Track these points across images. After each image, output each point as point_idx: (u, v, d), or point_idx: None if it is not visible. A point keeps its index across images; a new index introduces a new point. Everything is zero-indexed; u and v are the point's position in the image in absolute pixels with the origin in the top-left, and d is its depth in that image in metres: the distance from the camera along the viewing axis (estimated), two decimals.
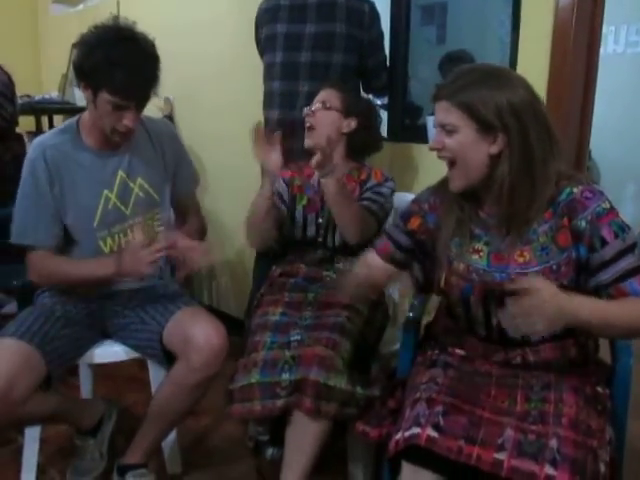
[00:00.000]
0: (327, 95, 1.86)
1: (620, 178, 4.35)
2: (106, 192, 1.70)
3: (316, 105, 1.85)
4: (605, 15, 1.94)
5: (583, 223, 1.23)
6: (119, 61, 1.50)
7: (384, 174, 1.88)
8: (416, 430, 1.19)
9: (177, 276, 1.66)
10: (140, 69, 1.54)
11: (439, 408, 1.22)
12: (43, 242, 1.67)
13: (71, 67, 1.63)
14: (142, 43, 1.57)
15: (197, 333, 1.61)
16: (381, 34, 2.17)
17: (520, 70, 1.96)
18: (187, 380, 1.62)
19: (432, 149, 1.30)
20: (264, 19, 2.21)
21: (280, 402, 1.47)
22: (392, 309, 2.00)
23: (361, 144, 1.90)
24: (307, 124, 1.85)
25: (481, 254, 1.33)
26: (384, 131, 2.35)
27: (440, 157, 1.30)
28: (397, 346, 1.71)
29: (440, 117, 1.27)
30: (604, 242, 1.22)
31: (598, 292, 1.25)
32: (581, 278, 1.27)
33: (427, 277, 1.47)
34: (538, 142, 1.22)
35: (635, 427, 1.50)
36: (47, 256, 1.67)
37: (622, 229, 1.22)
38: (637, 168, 4.28)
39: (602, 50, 2.10)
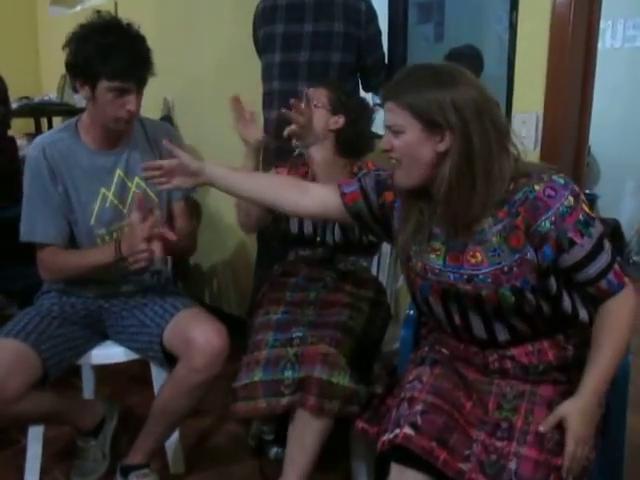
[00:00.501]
0: (316, 94, 1.84)
1: (620, 174, 4.35)
2: (104, 190, 1.71)
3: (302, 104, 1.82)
4: (602, 10, 1.94)
5: (547, 224, 1.18)
6: (112, 46, 1.55)
7: (376, 164, 1.86)
8: (397, 431, 1.20)
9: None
10: (133, 50, 1.58)
11: (419, 407, 1.23)
12: (52, 238, 1.68)
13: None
14: (129, 28, 1.62)
15: (198, 335, 1.61)
16: (379, 32, 2.17)
17: (518, 67, 1.97)
18: (189, 381, 1.62)
19: (383, 151, 1.29)
20: (262, 19, 2.21)
21: (284, 400, 1.47)
22: (394, 307, 2.00)
23: (350, 141, 1.87)
24: (295, 122, 1.80)
25: (438, 253, 1.31)
26: (382, 129, 2.35)
27: (389, 158, 1.28)
28: (398, 344, 1.71)
29: (386, 118, 1.26)
30: (572, 243, 1.18)
31: (579, 289, 1.25)
32: (548, 278, 1.24)
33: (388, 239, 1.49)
34: (481, 140, 1.19)
35: (635, 423, 1.50)
36: (56, 251, 1.69)
37: (587, 224, 1.19)
38: (637, 164, 4.27)
39: (600, 45, 2.10)
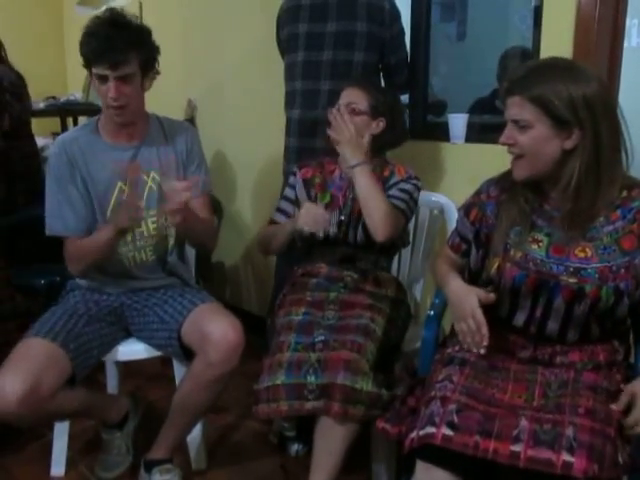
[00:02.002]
0: (353, 96, 1.82)
1: None
2: (120, 184, 1.74)
3: (343, 109, 1.80)
4: (628, 8, 1.91)
5: None
6: (91, 33, 1.61)
7: (407, 171, 1.86)
8: (431, 430, 1.19)
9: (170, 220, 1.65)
10: (110, 36, 1.59)
11: (453, 406, 1.22)
12: (76, 231, 1.72)
13: None
14: (120, 18, 1.65)
15: (214, 329, 1.63)
16: (402, 31, 2.16)
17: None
18: (206, 376, 1.64)
19: (503, 144, 1.29)
20: (285, 19, 2.21)
21: (308, 405, 1.48)
22: (414, 307, 2.00)
23: (389, 142, 1.88)
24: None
25: (540, 244, 1.33)
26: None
27: (510, 152, 1.29)
28: (419, 344, 1.71)
29: (513, 112, 1.25)
30: None
31: None
32: None
33: (478, 266, 1.47)
34: (609, 139, 1.21)
35: None
36: (77, 241, 1.72)
37: None
38: None
39: (625, 43, 2.07)
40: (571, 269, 1.27)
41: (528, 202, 1.34)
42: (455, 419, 1.19)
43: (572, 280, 1.27)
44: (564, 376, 1.30)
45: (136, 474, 1.81)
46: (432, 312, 1.66)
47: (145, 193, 1.76)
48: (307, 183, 1.92)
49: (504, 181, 1.40)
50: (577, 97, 1.18)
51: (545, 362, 1.35)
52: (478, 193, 1.47)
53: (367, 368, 1.51)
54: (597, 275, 1.26)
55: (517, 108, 1.24)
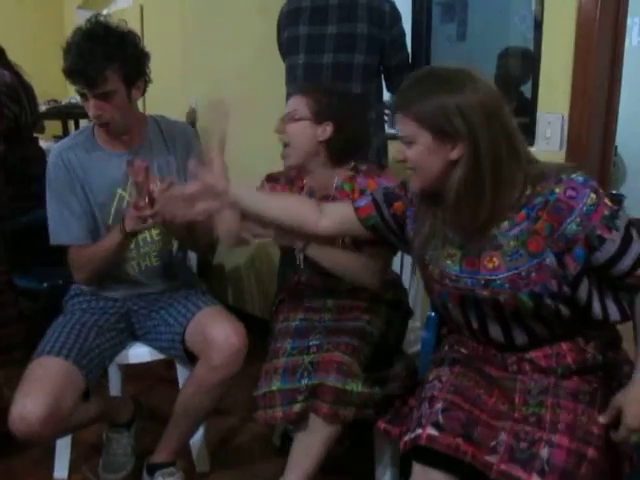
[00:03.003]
0: (294, 104, 1.70)
1: None
2: (120, 191, 1.73)
3: (284, 120, 1.70)
4: (629, 7, 1.91)
5: (574, 226, 1.17)
6: (69, 50, 1.56)
7: (379, 182, 1.67)
8: (419, 431, 1.20)
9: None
10: (88, 53, 1.53)
11: (439, 405, 1.22)
12: (79, 239, 1.71)
13: None
14: (95, 28, 1.59)
15: (216, 333, 1.63)
16: (403, 33, 2.16)
17: (543, 65, 1.95)
18: (208, 379, 1.64)
19: (397, 161, 1.29)
20: (286, 22, 2.22)
21: (297, 407, 1.47)
22: (420, 308, 1.99)
23: (343, 148, 1.71)
24: (282, 144, 1.72)
25: (454, 259, 1.30)
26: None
27: (406, 168, 1.28)
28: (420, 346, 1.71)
29: (399, 129, 1.26)
30: (602, 239, 1.17)
31: (618, 283, 1.23)
32: (578, 285, 1.22)
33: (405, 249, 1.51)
34: (490, 146, 1.17)
35: None
36: (82, 249, 1.71)
37: (613, 217, 1.17)
38: None
39: (627, 43, 2.07)
40: (482, 282, 1.25)
41: (437, 217, 1.32)
42: (440, 419, 1.20)
43: (485, 293, 1.26)
44: (544, 382, 1.29)
45: (139, 478, 1.81)
46: (433, 313, 1.66)
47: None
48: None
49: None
50: (449, 108, 1.16)
51: (516, 371, 1.33)
52: (404, 187, 1.43)
53: (359, 370, 1.50)
54: (507, 285, 1.23)
55: (400, 125, 1.24)
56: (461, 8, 3.11)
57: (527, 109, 2.00)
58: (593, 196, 1.16)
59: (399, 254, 2.01)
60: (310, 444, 1.51)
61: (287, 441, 2.01)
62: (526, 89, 2.08)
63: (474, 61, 2.92)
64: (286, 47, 2.22)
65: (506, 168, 1.20)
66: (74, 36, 1.58)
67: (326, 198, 1.69)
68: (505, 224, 1.24)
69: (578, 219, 1.16)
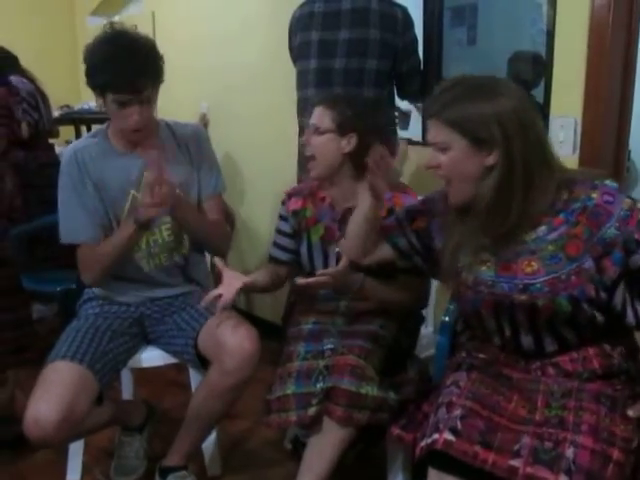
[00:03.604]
0: (317, 116, 1.69)
1: None
2: (133, 192, 1.74)
3: (309, 131, 1.71)
4: None
5: (612, 230, 1.19)
6: (110, 59, 1.57)
7: (406, 199, 1.68)
8: (435, 436, 1.19)
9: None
10: (128, 61, 1.57)
11: (457, 412, 1.22)
12: (90, 239, 1.72)
13: None
14: (131, 37, 1.63)
15: (229, 338, 1.63)
16: (415, 39, 2.17)
17: (556, 69, 1.94)
18: (221, 384, 1.64)
19: (428, 168, 1.28)
20: (298, 26, 2.22)
21: (311, 410, 1.47)
22: (431, 313, 1.99)
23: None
24: (307, 154, 1.72)
25: (489, 264, 1.30)
26: (418, 132, 2.34)
27: (436, 176, 1.28)
28: (434, 350, 1.70)
29: (431, 135, 1.25)
30: (638, 243, 1.19)
31: None
32: (615, 291, 1.23)
33: (431, 272, 1.49)
34: (524, 154, 1.19)
35: None
36: (92, 248, 1.72)
37: None
38: None
39: None
40: (520, 286, 1.25)
41: (466, 223, 1.31)
42: (458, 425, 1.19)
43: (523, 297, 1.26)
44: (567, 385, 1.29)
45: None
46: (447, 318, 1.65)
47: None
48: (297, 215, 1.79)
49: (445, 201, 1.37)
50: (488, 115, 1.17)
51: (539, 377, 1.33)
52: (428, 203, 1.45)
53: (373, 374, 1.50)
54: (547, 288, 1.23)
55: (434, 131, 1.24)
56: (471, 12, 3.10)
57: (539, 113, 1.99)
58: (628, 201, 1.20)
59: None
60: (323, 447, 1.50)
61: (298, 446, 2.02)
62: (537, 93, 2.08)
63: (484, 65, 2.92)
64: (298, 52, 2.23)
65: (537, 175, 1.21)
66: (103, 46, 1.59)
67: (349, 210, 1.65)
68: (543, 228, 1.25)
69: (617, 224, 1.19)
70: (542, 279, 1.24)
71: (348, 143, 1.66)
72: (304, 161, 2.20)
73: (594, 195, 1.21)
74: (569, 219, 1.23)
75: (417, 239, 1.46)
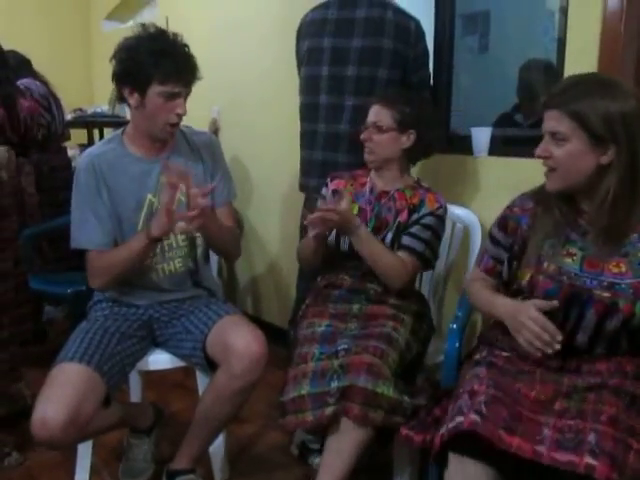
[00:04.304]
0: (377, 115, 1.82)
1: None
2: (150, 197, 1.75)
3: (370, 129, 1.83)
4: None
5: None
6: (162, 51, 1.61)
7: (438, 199, 1.83)
8: (460, 418, 1.20)
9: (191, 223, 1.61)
10: (183, 54, 1.65)
11: (481, 398, 1.23)
12: (100, 245, 1.72)
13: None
14: (175, 35, 1.68)
15: (237, 341, 1.63)
16: (426, 51, 2.16)
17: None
18: (229, 387, 1.64)
19: (539, 157, 1.30)
20: (309, 30, 2.21)
21: (329, 410, 1.48)
22: (436, 320, 1.99)
23: (422, 152, 1.89)
24: (366, 149, 1.84)
25: (574, 258, 1.33)
26: None
27: (545, 165, 1.31)
28: (441, 358, 1.71)
29: (550, 125, 1.27)
30: None
31: None
32: None
33: (509, 277, 1.48)
34: None
35: None
36: (102, 254, 1.73)
37: None
38: None
39: None
40: (605, 283, 1.28)
41: (563, 215, 1.35)
42: (483, 409, 1.20)
43: (606, 294, 1.28)
44: (590, 380, 1.30)
45: None
46: (455, 325, 1.66)
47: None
48: (335, 195, 1.89)
49: (539, 194, 1.40)
50: (614, 113, 1.19)
51: (572, 370, 1.35)
52: (511, 207, 1.48)
53: (389, 373, 1.51)
54: (631, 290, 1.26)
55: (554, 121, 1.25)
56: (483, 20, 3.11)
57: None
58: None
59: None
60: (341, 447, 1.52)
61: (305, 451, 2.02)
62: None
63: (496, 73, 2.93)
64: (307, 56, 2.21)
65: None
66: (148, 42, 1.63)
67: (385, 193, 1.86)
68: (635, 235, 1.29)
69: None
70: (629, 281, 1.27)
71: (407, 139, 1.82)
72: (311, 167, 2.20)
73: None
74: None
75: (509, 243, 1.47)
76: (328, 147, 2.14)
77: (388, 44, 2.05)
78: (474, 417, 1.18)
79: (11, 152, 2.34)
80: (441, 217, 1.82)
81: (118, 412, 1.73)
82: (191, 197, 1.57)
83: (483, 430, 1.16)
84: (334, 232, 1.85)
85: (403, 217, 1.82)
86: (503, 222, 1.48)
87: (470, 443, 1.17)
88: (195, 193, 1.57)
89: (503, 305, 1.39)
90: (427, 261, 1.80)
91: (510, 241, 1.45)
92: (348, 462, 1.52)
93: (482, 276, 1.52)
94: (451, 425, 1.21)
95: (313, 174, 2.17)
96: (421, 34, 2.11)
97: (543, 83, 2.33)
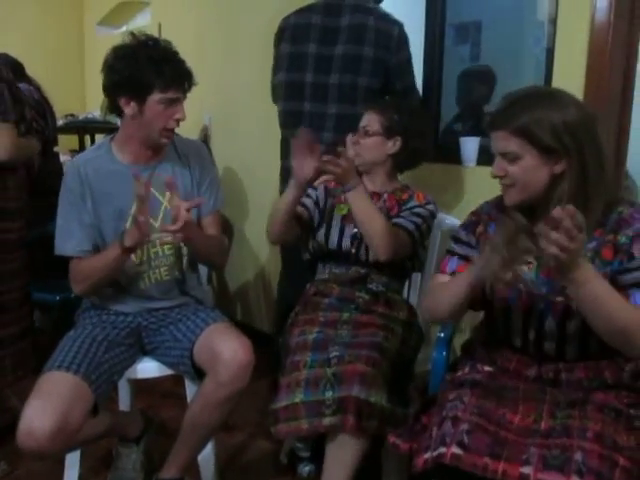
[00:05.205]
0: (367, 120, 1.86)
1: None
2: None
3: (359, 133, 1.86)
4: None
5: (624, 238, 1.25)
6: (162, 59, 1.62)
7: (426, 197, 1.88)
8: (442, 449, 1.20)
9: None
10: (180, 61, 1.67)
11: (464, 426, 1.22)
12: (81, 251, 1.72)
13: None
14: (162, 41, 1.69)
15: (224, 348, 1.63)
16: (409, 57, 2.14)
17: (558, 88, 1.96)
18: (216, 395, 1.64)
19: (495, 177, 1.32)
20: (292, 35, 2.18)
21: (326, 420, 1.48)
22: (425, 328, 1.99)
23: (407, 160, 1.91)
24: (352, 152, 1.85)
25: (530, 266, 1.34)
26: None
27: (502, 183, 1.32)
28: (430, 366, 1.71)
29: (500, 146, 1.28)
30: (632, 256, 1.24)
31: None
32: None
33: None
34: (593, 161, 1.24)
35: None
36: (81, 261, 1.73)
37: None
38: None
39: None
40: (557, 288, 1.29)
41: (521, 224, 1.35)
42: (465, 439, 1.20)
43: (559, 298, 1.30)
44: (572, 396, 1.30)
45: None
46: (442, 334, 1.66)
47: (161, 214, 1.77)
48: (329, 192, 1.95)
49: (501, 203, 1.41)
50: (558, 124, 1.21)
51: (551, 380, 1.35)
52: (479, 213, 1.49)
53: (382, 383, 1.52)
54: None
55: (503, 142, 1.26)
56: (475, 30, 3.13)
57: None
58: None
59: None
60: (343, 459, 1.53)
61: (294, 459, 2.02)
62: None
63: None
64: (289, 61, 2.18)
65: (602, 183, 1.26)
66: (144, 49, 1.63)
67: (376, 195, 1.90)
68: (585, 238, 1.28)
69: (630, 233, 1.25)
70: None
71: (393, 145, 1.85)
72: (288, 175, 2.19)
73: (626, 210, 1.28)
74: (606, 229, 1.28)
75: (474, 249, 1.46)
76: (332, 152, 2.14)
77: (368, 52, 2.04)
78: (456, 450, 1.18)
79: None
80: (431, 211, 1.86)
81: (106, 421, 1.72)
82: (175, 210, 1.57)
83: (465, 464, 1.16)
84: (323, 229, 1.87)
85: (394, 211, 1.86)
86: (472, 225, 1.48)
87: (453, 473, 1.17)
88: (179, 206, 1.56)
89: (465, 272, 1.37)
90: (415, 241, 1.81)
91: (475, 243, 1.46)
92: (349, 474, 1.54)
93: (444, 279, 1.47)
94: (435, 454, 1.20)
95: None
96: (404, 40, 2.09)
97: (482, 91, 2.37)
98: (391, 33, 2.06)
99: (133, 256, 1.75)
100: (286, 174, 2.21)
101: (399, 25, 2.09)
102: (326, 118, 2.10)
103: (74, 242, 1.72)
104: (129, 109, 1.65)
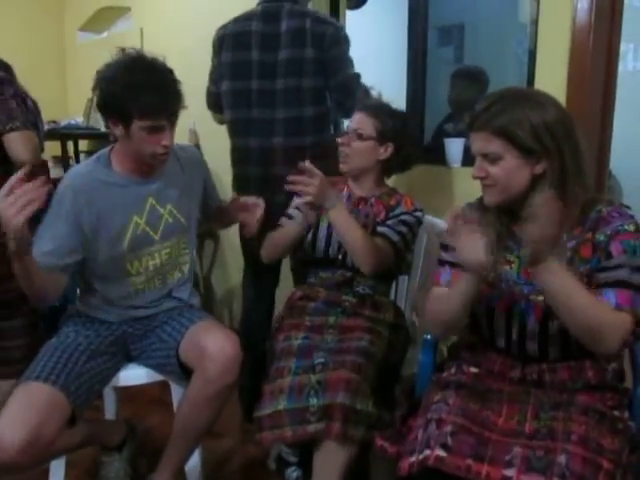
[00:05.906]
0: (360, 122, 1.83)
1: None
2: (136, 218, 1.71)
3: (350, 135, 1.84)
4: (624, 33, 1.94)
5: (602, 237, 1.26)
6: (140, 85, 1.52)
7: (414, 203, 1.87)
8: (427, 452, 1.20)
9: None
10: (162, 86, 1.56)
11: (448, 428, 1.22)
12: (41, 263, 1.56)
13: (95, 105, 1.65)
14: (154, 63, 1.60)
15: (210, 344, 1.62)
16: (343, 55, 2.08)
17: (538, 88, 1.97)
18: (205, 391, 1.62)
19: (476, 178, 1.31)
20: (232, 43, 2.15)
21: (311, 427, 1.47)
22: (412, 330, 1.99)
23: (397, 166, 1.90)
24: (342, 153, 1.84)
25: (512, 265, 1.35)
26: None
27: (482, 183, 1.32)
28: (417, 368, 1.70)
29: (480, 147, 1.28)
30: (610, 255, 1.25)
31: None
32: None
33: None
34: (572, 160, 1.24)
35: None
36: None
37: (635, 251, 1.24)
38: None
39: (622, 67, 2.09)
40: (538, 287, 1.28)
41: (503, 225, 1.36)
42: (449, 441, 1.19)
43: (540, 298, 1.30)
44: (557, 398, 1.31)
45: None
46: (429, 336, 1.66)
47: (161, 226, 1.75)
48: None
49: (482, 204, 1.41)
50: (538, 124, 1.21)
51: (535, 381, 1.35)
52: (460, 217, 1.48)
53: (367, 388, 1.50)
54: None
55: (483, 143, 1.27)
56: (458, 32, 3.16)
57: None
58: (632, 227, 1.26)
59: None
60: (328, 468, 1.52)
61: (282, 465, 2.00)
62: None
63: None
64: (232, 70, 2.16)
65: (581, 182, 1.27)
66: (127, 74, 1.54)
67: (363, 200, 1.89)
68: (564, 236, 1.30)
69: (608, 232, 1.25)
70: None
71: (385, 151, 1.83)
72: (247, 183, 2.19)
73: (604, 209, 1.29)
74: (584, 228, 1.29)
75: None
76: (262, 162, 2.13)
77: (309, 53, 2.03)
78: (439, 452, 1.18)
79: None
80: (418, 218, 1.85)
81: (84, 431, 1.68)
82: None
83: (448, 466, 1.16)
84: (309, 238, 1.87)
85: (381, 217, 1.85)
86: None
87: (439, 477, 1.17)
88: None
89: (461, 277, 1.34)
90: (399, 251, 1.81)
91: None
92: (339, 477, 1.52)
93: (444, 291, 1.44)
94: (420, 457, 1.20)
95: (250, 190, 2.05)
96: (336, 39, 2.06)
97: (474, 91, 2.38)
98: (324, 33, 2.04)
99: (130, 267, 1.73)
100: (238, 182, 2.23)
101: (333, 25, 2.08)
102: (275, 123, 2.08)
103: (43, 252, 1.59)
104: (117, 131, 1.60)
